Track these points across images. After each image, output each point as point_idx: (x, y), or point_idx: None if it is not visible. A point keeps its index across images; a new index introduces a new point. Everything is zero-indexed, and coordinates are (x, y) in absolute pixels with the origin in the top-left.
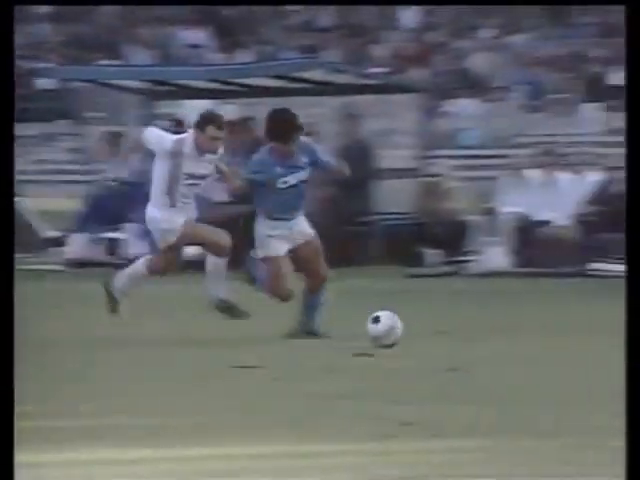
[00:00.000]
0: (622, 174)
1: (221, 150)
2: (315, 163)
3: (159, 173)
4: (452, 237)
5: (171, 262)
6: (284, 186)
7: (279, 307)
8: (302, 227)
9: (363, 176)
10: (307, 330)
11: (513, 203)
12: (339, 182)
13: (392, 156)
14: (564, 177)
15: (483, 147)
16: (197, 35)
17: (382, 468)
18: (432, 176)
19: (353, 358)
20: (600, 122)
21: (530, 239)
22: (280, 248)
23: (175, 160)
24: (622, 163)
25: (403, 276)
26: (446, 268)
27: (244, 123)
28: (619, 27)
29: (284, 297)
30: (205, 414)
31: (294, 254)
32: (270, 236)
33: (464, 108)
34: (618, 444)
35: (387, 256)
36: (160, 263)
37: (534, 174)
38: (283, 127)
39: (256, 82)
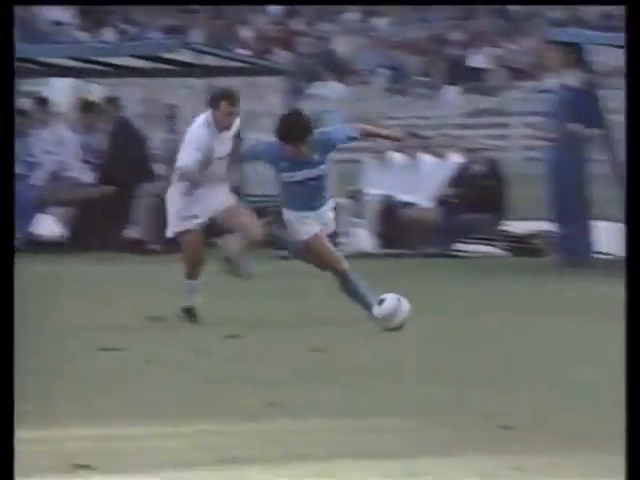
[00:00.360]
0: (481, 156)
1: (236, 125)
2: (333, 147)
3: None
4: None
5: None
6: (290, 180)
7: (148, 291)
8: (327, 217)
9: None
10: None
11: (377, 185)
12: None
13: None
14: (427, 159)
15: None
16: (61, 13)
17: (249, 448)
18: None
19: (222, 340)
20: (460, 104)
21: (394, 221)
22: (312, 229)
23: (210, 145)
24: (481, 145)
25: (270, 258)
26: None
27: (108, 103)
28: (477, 10)
29: (338, 268)
30: (75, 396)
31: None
32: (299, 222)
33: (329, 91)
34: (474, 420)
35: None
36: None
37: (397, 157)
38: (294, 130)
39: (121, 62)
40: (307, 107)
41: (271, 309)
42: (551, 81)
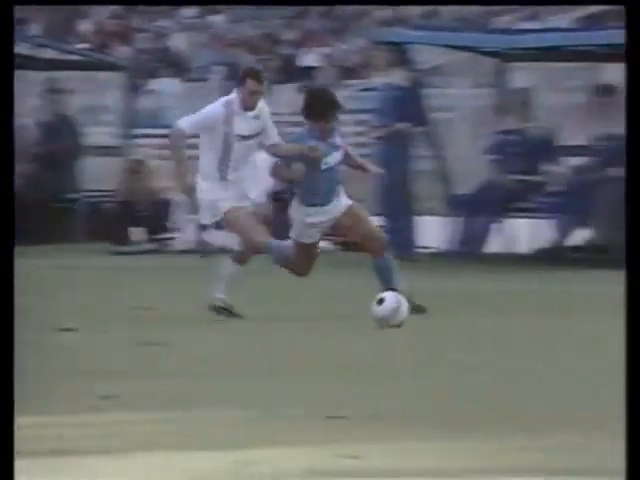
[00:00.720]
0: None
1: (258, 110)
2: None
3: (211, 144)
4: (155, 215)
5: (249, 248)
6: (326, 167)
7: None
8: (338, 209)
9: (67, 153)
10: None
11: None
12: (43, 158)
13: (96, 133)
14: (261, 156)
15: None
16: None
17: (84, 440)
18: (135, 154)
19: (57, 333)
20: (293, 102)
21: None
22: (314, 237)
23: (227, 126)
24: None
25: (108, 253)
26: (149, 245)
27: None
28: (308, 9)
29: (301, 275)
30: None
31: (336, 226)
32: (306, 224)
33: (166, 87)
34: (305, 411)
35: (92, 233)
36: (240, 253)
37: None
38: (323, 105)
39: None
40: (145, 104)
41: (107, 303)
42: (378, 80)
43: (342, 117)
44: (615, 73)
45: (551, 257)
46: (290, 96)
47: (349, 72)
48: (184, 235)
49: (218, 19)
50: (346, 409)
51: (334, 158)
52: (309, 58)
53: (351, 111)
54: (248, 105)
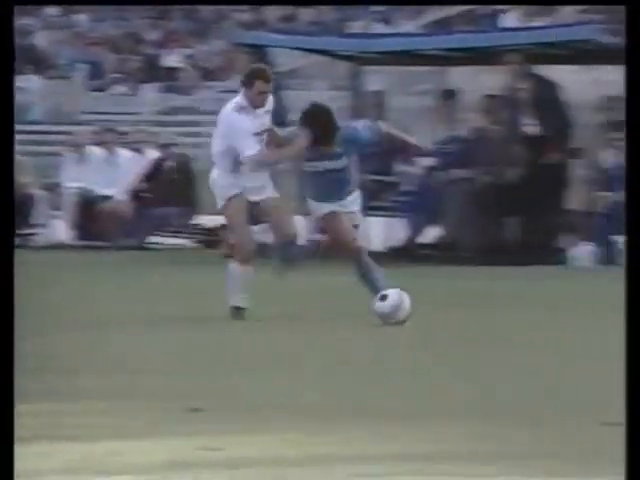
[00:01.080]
0: (174, 152)
1: (268, 105)
2: (357, 145)
3: (222, 139)
4: (17, 210)
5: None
6: (311, 170)
7: None
8: (352, 208)
9: None
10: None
11: (75, 178)
12: None
13: None
14: (123, 154)
15: (46, 123)
16: None
17: None
18: None
19: None
20: (155, 102)
21: (91, 213)
22: (331, 208)
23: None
24: (175, 141)
25: None
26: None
27: None
28: (171, 10)
29: (350, 250)
30: None
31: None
32: (324, 210)
33: (28, 84)
34: (164, 404)
35: None
36: (235, 248)
37: (95, 151)
38: (322, 129)
39: None
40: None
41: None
42: (238, 82)
43: (204, 118)
44: (459, 77)
45: (404, 254)
46: (153, 96)
47: (210, 73)
48: (47, 230)
49: (81, 18)
50: (203, 402)
51: (325, 165)
52: (171, 59)
53: (212, 112)
54: (257, 104)
